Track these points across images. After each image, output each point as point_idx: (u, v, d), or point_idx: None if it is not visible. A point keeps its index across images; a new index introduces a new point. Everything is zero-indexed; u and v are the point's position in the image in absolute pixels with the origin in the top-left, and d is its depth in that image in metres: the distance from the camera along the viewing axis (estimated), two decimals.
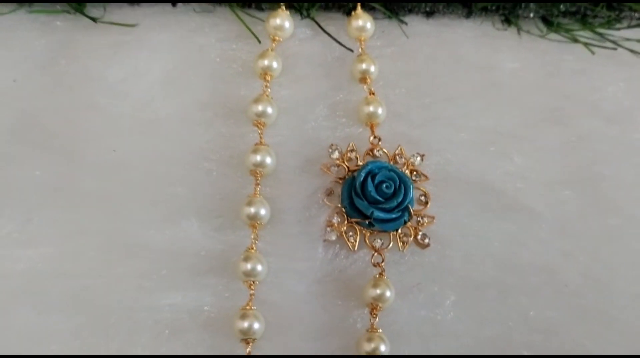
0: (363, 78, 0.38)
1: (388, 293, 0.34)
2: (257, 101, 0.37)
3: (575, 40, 0.40)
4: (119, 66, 0.38)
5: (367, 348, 0.33)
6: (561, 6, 0.40)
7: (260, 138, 0.36)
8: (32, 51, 0.38)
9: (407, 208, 0.35)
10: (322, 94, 0.38)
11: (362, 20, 0.39)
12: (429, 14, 0.41)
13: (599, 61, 0.40)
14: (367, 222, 0.35)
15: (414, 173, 0.36)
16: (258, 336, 0.33)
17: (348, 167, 0.36)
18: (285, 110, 0.38)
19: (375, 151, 0.37)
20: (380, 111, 0.37)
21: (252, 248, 0.34)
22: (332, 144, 0.36)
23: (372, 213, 0.35)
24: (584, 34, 0.40)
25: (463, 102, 0.39)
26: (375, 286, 0.34)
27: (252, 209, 0.34)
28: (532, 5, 0.40)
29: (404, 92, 0.39)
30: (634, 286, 0.36)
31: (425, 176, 0.36)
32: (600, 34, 0.40)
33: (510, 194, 0.37)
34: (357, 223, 0.35)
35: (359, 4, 0.39)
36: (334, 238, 0.35)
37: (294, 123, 0.38)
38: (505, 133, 0.38)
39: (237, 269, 0.34)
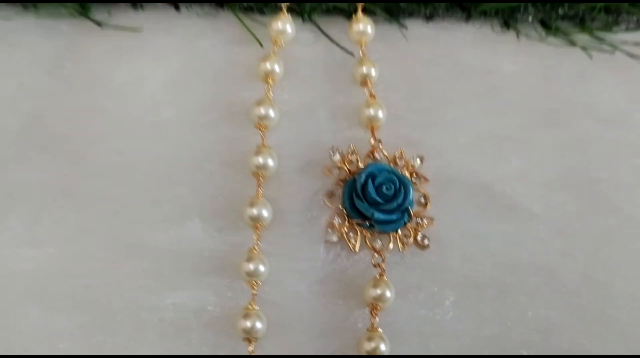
0: (364, 81, 0.38)
1: (388, 293, 0.34)
2: (259, 103, 0.37)
3: (573, 44, 0.40)
4: (124, 69, 0.38)
5: (368, 347, 0.33)
6: (560, 10, 0.41)
7: (263, 140, 0.36)
8: (38, 54, 0.38)
9: (407, 210, 0.35)
10: (323, 97, 0.39)
11: (363, 24, 0.39)
12: (428, 18, 0.41)
13: (597, 64, 0.40)
14: (367, 223, 0.35)
15: (414, 175, 0.36)
16: (260, 335, 0.33)
17: (349, 169, 0.36)
18: (287, 113, 0.38)
19: (375, 154, 0.37)
20: (380, 114, 0.37)
21: (255, 249, 0.34)
22: (333, 147, 0.36)
23: (373, 214, 0.35)
24: (582, 38, 0.41)
25: (462, 105, 0.39)
26: (375, 286, 0.34)
27: (255, 211, 0.35)
28: (530, 9, 0.40)
29: (404, 95, 0.39)
30: (632, 286, 0.36)
31: (425, 178, 0.36)
32: (598, 38, 0.41)
33: (508, 195, 0.37)
34: (357, 224, 0.35)
35: (359, 7, 0.39)
36: (335, 239, 0.35)
37: (295, 126, 0.38)
38: (503, 136, 0.38)
39: (240, 269, 0.34)
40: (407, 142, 0.37)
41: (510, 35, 0.41)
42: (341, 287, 0.35)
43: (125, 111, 0.38)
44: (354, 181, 0.36)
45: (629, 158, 0.39)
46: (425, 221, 0.36)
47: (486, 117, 0.39)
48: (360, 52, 0.39)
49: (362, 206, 0.35)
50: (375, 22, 0.39)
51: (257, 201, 0.35)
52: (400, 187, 0.35)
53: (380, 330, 0.34)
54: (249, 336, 0.33)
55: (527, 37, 0.41)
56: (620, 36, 0.41)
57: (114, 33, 0.38)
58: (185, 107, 0.38)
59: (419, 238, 0.35)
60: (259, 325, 0.33)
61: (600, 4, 0.40)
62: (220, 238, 0.35)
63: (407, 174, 0.36)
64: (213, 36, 0.39)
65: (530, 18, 0.41)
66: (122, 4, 0.39)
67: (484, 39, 0.41)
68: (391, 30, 0.40)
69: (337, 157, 0.36)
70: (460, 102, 0.39)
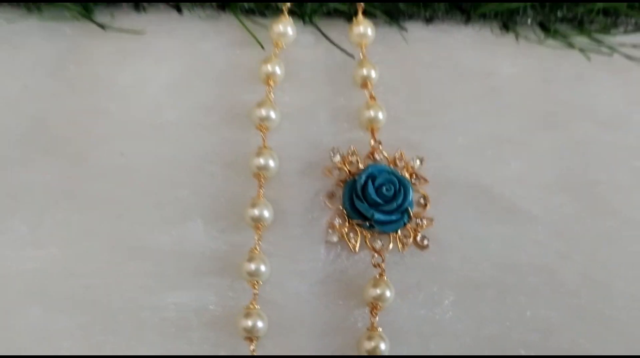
0: (364, 83, 0.38)
1: (388, 293, 0.34)
2: (260, 105, 0.37)
3: (572, 46, 0.41)
4: (127, 71, 0.39)
5: (368, 346, 0.33)
6: (558, 12, 0.41)
7: (264, 141, 0.37)
8: (41, 57, 0.39)
9: (406, 210, 0.36)
10: (324, 99, 0.39)
11: (363, 27, 0.39)
12: (428, 21, 0.41)
13: (596, 67, 0.40)
14: (367, 224, 0.35)
15: (414, 176, 0.37)
16: (261, 334, 0.34)
17: (349, 170, 0.36)
18: (288, 115, 0.38)
19: (375, 155, 0.37)
20: (380, 115, 0.37)
21: (256, 249, 0.35)
22: (333, 148, 0.36)
23: (373, 215, 0.35)
24: (581, 40, 0.41)
25: (461, 108, 0.39)
26: (375, 286, 0.34)
27: (256, 211, 0.35)
28: (529, 11, 0.40)
29: (404, 97, 0.39)
30: (630, 287, 0.36)
31: (425, 179, 0.37)
32: (596, 40, 0.41)
33: (507, 197, 0.37)
34: (358, 224, 0.35)
35: (359, 9, 0.39)
36: (335, 239, 0.35)
37: (296, 127, 0.38)
38: (502, 138, 0.39)
39: (241, 269, 0.34)
40: (407, 143, 0.38)
41: (509, 37, 0.41)
42: (341, 287, 0.35)
43: (128, 113, 0.38)
44: (354, 182, 0.36)
45: (628, 160, 0.39)
46: (424, 221, 0.36)
47: (485, 120, 0.39)
48: (361, 54, 0.39)
49: (362, 206, 0.35)
50: (376, 24, 0.40)
51: (259, 202, 0.35)
52: (400, 188, 0.36)
53: (380, 329, 0.34)
54: (250, 335, 0.33)
55: (526, 39, 0.41)
56: (618, 38, 0.41)
57: (116, 36, 0.39)
58: (187, 109, 0.38)
59: (418, 238, 0.36)
60: (260, 324, 0.33)
61: (598, 7, 0.40)
62: (222, 239, 0.35)
63: (407, 176, 0.36)
64: (215, 39, 0.40)
65: (529, 21, 0.41)
66: (124, 6, 0.39)
67: (484, 41, 0.41)
68: (391, 32, 0.41)
69: (338, 158, 0.36)
70: (460, 104, 0.39)
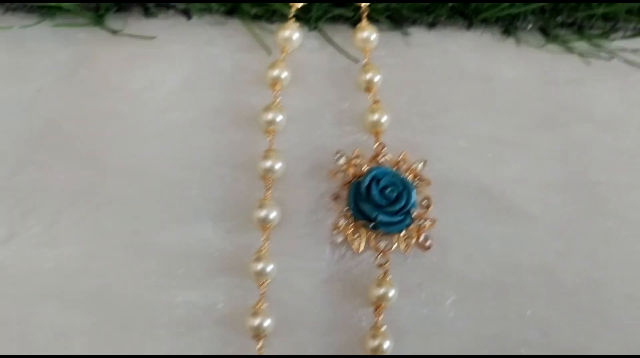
0: (368, 87, 0.39)
1: (391, 293, 0.34)
2: (267, 109, 0.37)
3: (572, 51, 0.41)
4: (137, 75, 0.39)
5: (372, 344, 0.34)
6: (559, 18, 0.41)
7: (271, 144, 0.37)
8: (55, 62, 0.39)
9: (409, 212, 0.36)
10: (329, 102, 0.39)
11: (367, 32, 0.39)
12: (431, 26, 0.41)
13: (595, 71, 0.41)
14: (371, 225, 0.36)
15: (417, 178, 0.37)
16: (268, 332, 0.34)
17: (354, 173, 0.37)
18: (294, 118, 0.38)
19: (379, 158, 0.37)
20: (384, 119, 0.38)
21: (263, 249, 0.35)
22: (338, 151, 0.37)
23: (377, 216, 0.35)
24: (581, 45, 0.41)
25: (463, 111, 0.39)
26: (379, 286, 0.34)
27: (263, 213, 0.35)
28: (530, 17, 0.41)
29: (407, 100, 0.39)
30: (628, 287, 0.37)
31: (427, 181, 0.37)
32: (596, 45, 0.41)
33: (508, 198, 0.37)
34: (362, 225, 0.36)
35: (364, 15, 0.40)
36: (340, 240, 0.36)
37: (302, 130, 0.38)
38: (503, 140, 0.39)
39: (249, 269, 0.35)
40: (410, 146, 0.38)
41: (510, 42, 0.41)
42: (346, 286, 0.36)
43: (139, 116, 0.38)
44: (359, 184, 0.36)
45: (626, 161, 0.39)
46: (427, 222, 0.36)
47: (486, 122, 0.39)
48: (365, 58, 0.39)
49: (366, 208, 0.35)
50: (379, 29, 0.40)
51: (266, 203, 0.36)
52: (403, 190, 0.36)
53: (383, 328, 0.34)
54: (258, 333, 0.34)
55: (526, 44, 0.41)
56: (617, 43, 0.41)
57: (127, 41, 0.39)
58: (196, 112, 0.38)
59: (421, 239, 0.36)
60: (267, 322, 0.34)
61: (598, 12, 0.41)
62: (230, 239, 0.36)
63: (410, 177, 0.37)
64: (223, 44, 0.40)
65: (529, 26, 0.41)
66: (135, 13, 0.40)
67: (485, 46, 0.41)
68: (395, 37, 0.41)
69: (342, 161, 0.37)
70: (462, 107, 0.40)
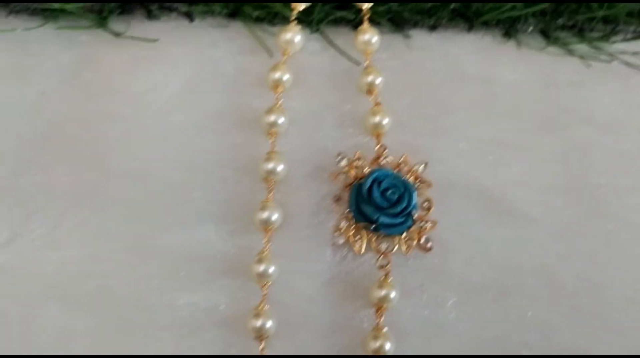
0: (369, 90, 0.39)
1: (393, 294, 0.35)
2: (269, 111, 0.38)
3: (572, 54, 0.41)
4: (141, 78, 0.39)
5: (373, 345, 0.34)
6: (559, 20, 0.41)
7: (273, 146, 0.37)
8: (58, 64, 0.39)
9: (410, 214, 0.36)
10: (330, 105, 0.39)
11: (369, 35, 0.39)
12: (432, 28, 0.41)
13: (595, 73, 0.41)
14: (373, 227, 0.36)
15: (418, 180, 0.37)
16: (270, 334, 0.34)
17: (355, 174, 0.37)
18: (296, 120, 0.38)
19: (380, 160, 0.37)
20: (385, 121, 0.38)
21: (265, 251, 0.35)
22: (340, 153, 0.37)
23: (378, 218, 0.35)
24: (581, 47, 0.41)
25: (464, 113, 0.40)
26: (380, 287, 0.35)
27: (265, 215, 0.35)
28: (531, 19, 0.41)
29: (409, 103, 0.40)
30: (628, 289, 0.37)
31: (428, 183, 0.37)
32: (596, 47, 0.41)
33: (508, 200, 0.38)
34: (363, 227, 0.36)
35: (365, 17, 0.40)
36: (341, 241, 0.36)
37: (304, 133, 0.38)
38: (503, 142, 0.39)
39: (251, 271, 0.35)
40: (411, 148, 0.38)
41: (510, 45, 0.42)
42: (347, 288, 0.36)
43: (142, 118, 0.38)
44: (360, 186, 0.36)
45: (627, 164, 0.39)
46: (428, 224, 0.36)
47: (487, 124, 0.39)
48: (366, 61, 0.39)
49: (367, 210, 0.36)
50: (381, 32, 0.40)
51: (268, 205, 0.36)
52: (404, 192, 0.36)
53: (385, 329, 0.34)
54: (260, 335, 0.34)
55: (527, 46, 0.41)
56: (617, 46, 0.41)
57: (130, 43, 0.39)
58: (199, 114, 0.39)
59: (422, 241, 0.36)
60: (269, 324, 0.34)
61: (598, 15, 0.41)
62: (232, 241, 0.36)
63: (411, 180, 0.37)
64: (225, 46, 0.40)
65: (530, 28, 0.41)
66: (138, 15, 0.40)
67: (486, 48, 0.41)
68: (396, 40, 0.41)
69: (344, 163, 0.37)
70: (463, 110, 0.40)
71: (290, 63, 0.39)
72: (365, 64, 0.39)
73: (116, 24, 0.40)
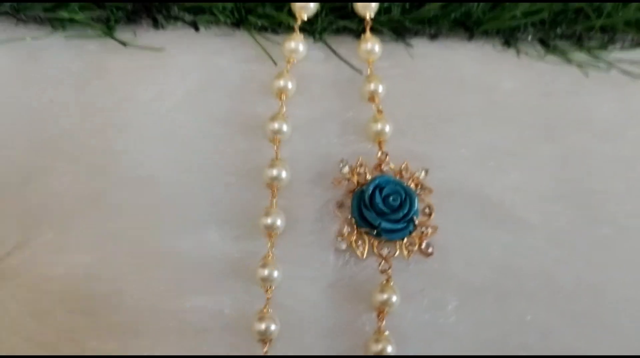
0: (371, 97, 0.39)
1: (394, 298, 0.35)
2: (273, 118, 0.38)
3: (570, 62, 0.41)
4: (147, 86, 0.39)
5: (375, 348, 0.34)
6: (558, 29, 0.42)
7: (276, 153, 0.38)
8: (66, 72, 0.40)
9: (412, 219, 0.36)
10: (333, 112, 0.40)
11: (371, 43, 0.40)
12: (433, 37, 0.42)
13: (593, 82, 0.41)
14: (375, 232, 0.36)
15: (419, 186, 0.37)
16: (274, 336, 0.35)
17: (357, 181, 0.37)
18: (299, 127, 0.39)
19: (382, 166, 0.38)
20: (387, 128, 0.38)
21: (269, 256, 0.36)
22: (342, 160, 0.37)
23: (380, 223, 0.36)
24: (579, 56, 0.42)
25: (464, 120, 0.40)
26: (382, 291, 0.35)
27: (269, 220, 0.36)
28: (530, 28, 0.41)
29: (410, 110, 0.40)
30: (625, 291, 0.37)
31: (429, 190, 0.37)
32: (594, 56, 0.42)
33: (507, 206, 0.38)
34: (365, 232, 0.36)
35: (367, 26, 0.40)
36: (344, 246, 0.36)
37: (307, 140, 0.39)
38: (503, 149, 0.39)
39: (255, 275, 0.35)
40: (413, 155, 0.38)
41: (510, 53, 0.42)
42: (350, 292, 0.36)
43: (148, 125, 0.39)
44: (362, 192, 0.36)
45: (623, 170, 0.40)
46: (429, 230, 0.37)
47: (487, 132, 0.40)
48: (368, 69, 0.40)
49: (369, 215, 0.36)
50: (382, 41, 0.40)
51: (271, 211, 0.36)
52: (405, 198, 0.36)
53: (386, 333, 0.35)
54: (264, 337, 0.34)
55: (526, 55, 0.42)
56: (615, 55, 0.41)
57: (137, 52, 0.40)
58: (204, 121, 0.39)
59: (423, 246, 0.36)
60: (272, 327, 0.34)
61: (596, 24, 0.41)
62: (237, 246, 0.36)
63: (413, 186, 0.37)
64: (230, 55, 0.40)
65: (529, 37, 0.42)
66: (144, 24, 0.41)
67: (486, 57, 0.42)
68: (397, 48, 0.41)
69: (346, 169, 0.37)
70: (463, 117, 0.40)
71: (293, 71, 0.40)
72: (367, 73, 0.40)
73: (123, 33, 0.40)
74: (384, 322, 0.35)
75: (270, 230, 0.36)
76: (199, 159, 0.38)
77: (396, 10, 0.41)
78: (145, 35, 0.40)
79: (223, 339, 0.35)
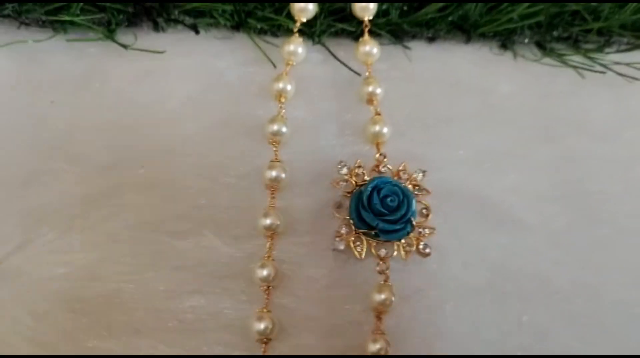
0: (370, 99, 0.39)
1: (392, 299, 0.35)
2: (272, 120, 0.38)
3: (567, 64, 0.42)
4: (147, 88, 0.40)
5: (373, 348, 0.34)
6: (554, 32, 0.42)
7: (276, 154, 0.38)
8: (68, 74, 0.40)
9: (409, 220, 0.37)
10: (332, 114, 0.40)
11: (369, 46, 0.40)
12: (431, 40, 0.42)
13: (589, 84, 0.41)
14: (373, 233, 0.36)
15: (417, 187, 0.38)
16: (273, 336, 0.35)
17: (356, 182, 0.37)
18: (298, 129, 0.39)
19: (380, 168, 0.38)
20: (385, 130, 0.39)
21: (268, 256, 0.36)
22: (341, 161, 0.37)
23: (378, 224, 0.36)
24: (576, 58, 0.42)
25: (462, 122, 0.40)
26: (380, 291, 0.35)
27: (268, 221, 0.36)
28: (527, 31, 0.42)
29: (408, 112, 0.40)
30: (620, 292, 0.37)
31: (427, 191, 0.38)
32: (590, 58, 0.42)
33: (505, 207, 0.38)
34: (363, 233, 0.36)
35: (366, 29, 0.40)
36: (342, 247, 0.36)
37: (306, 141, 0.39)
38: (500, 151, 0.40)
39: (254, 275, 0.36)
40: (410, 156, 0.38)
41: (507, 56, 0.42)
42: (348, 292, 0.36)
43: (148, 127, 0.39)
44: (360, 193, 0.37)
45: (621, 171, 0.40)
46: (426, 231, 0.37)
47: (484, 133, 0.40)
48: (367, 72, 0.40)
49: (367, 216, 0.36)
50: (381, 43, 0.41)
51: (270, 212, 0.36)
52: (403, 199, 0.36)
53: (384, 332, 0.35)
54: (262, 337, 0.35)
55: (523, 57, 0.42)
56: (611, 57, 0.42)
57: (138, 55, 0.40)
58: (204, 123, 0.39)
59: (420, 246, 0.36)
60: (271, 327, 0.35)
61: (593, 27, 0.42)
62: (236, 246, 0.37)
63: (410, 187, 0.37)
64: (230, 57, 0.41)
65: (526, 40, 0.42)
66: (145, 27, 0.41)
67: (483, 59, 0.42)
68: (396, 51, 0.42)
69: (345, 170, 0.37)
70: (460, 119, 0.40)
71: (292, 74, 0.40)
72: (365, 75, 0.40)
73: (124, 36, 0.41)
74: (381, 322, 0.35)
75: (269, 230, 0.36)
76: (198, 160, 0.38)
77: (394, 13, 0.41)
78: (146, 38, 0.41)
79: (223, 339, 0.35)
